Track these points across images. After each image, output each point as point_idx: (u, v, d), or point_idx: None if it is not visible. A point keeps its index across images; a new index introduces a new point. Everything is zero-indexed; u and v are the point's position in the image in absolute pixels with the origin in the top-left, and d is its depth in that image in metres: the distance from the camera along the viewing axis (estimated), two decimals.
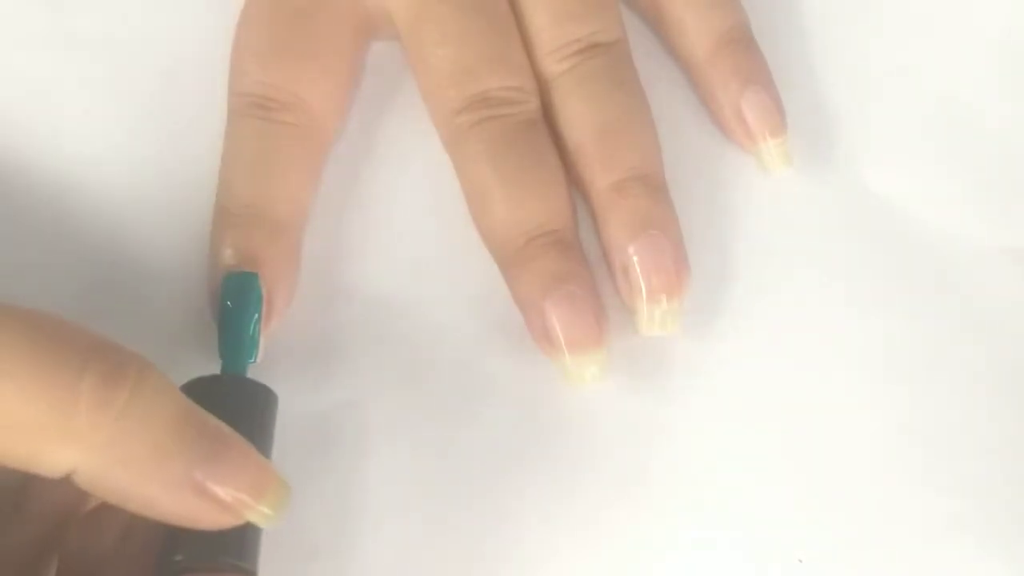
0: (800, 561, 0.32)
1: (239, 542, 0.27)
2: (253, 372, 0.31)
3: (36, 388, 0.24)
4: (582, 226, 0.34)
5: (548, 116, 0.34)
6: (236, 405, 0.27)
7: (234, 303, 0.31)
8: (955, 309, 0.35)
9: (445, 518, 0.32)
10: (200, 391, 0.27)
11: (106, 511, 0.28)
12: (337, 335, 0.33)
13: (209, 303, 0.32)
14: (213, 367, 0.32)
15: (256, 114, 0.33)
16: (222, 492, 0.26)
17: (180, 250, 0.33)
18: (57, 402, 0.24)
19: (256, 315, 0.31)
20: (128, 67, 0.35)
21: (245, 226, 0.32)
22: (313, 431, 0.32)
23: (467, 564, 0.32)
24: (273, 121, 0.33)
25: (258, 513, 0.26)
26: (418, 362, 0.33)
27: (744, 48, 0.35)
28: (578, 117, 0.33)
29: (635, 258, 0.32)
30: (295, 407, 0.32)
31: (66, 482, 0.25)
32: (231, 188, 0.33)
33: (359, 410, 0.33)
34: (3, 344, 0.24)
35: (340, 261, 0.34)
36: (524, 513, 0.32)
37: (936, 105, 0.37)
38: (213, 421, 0.26)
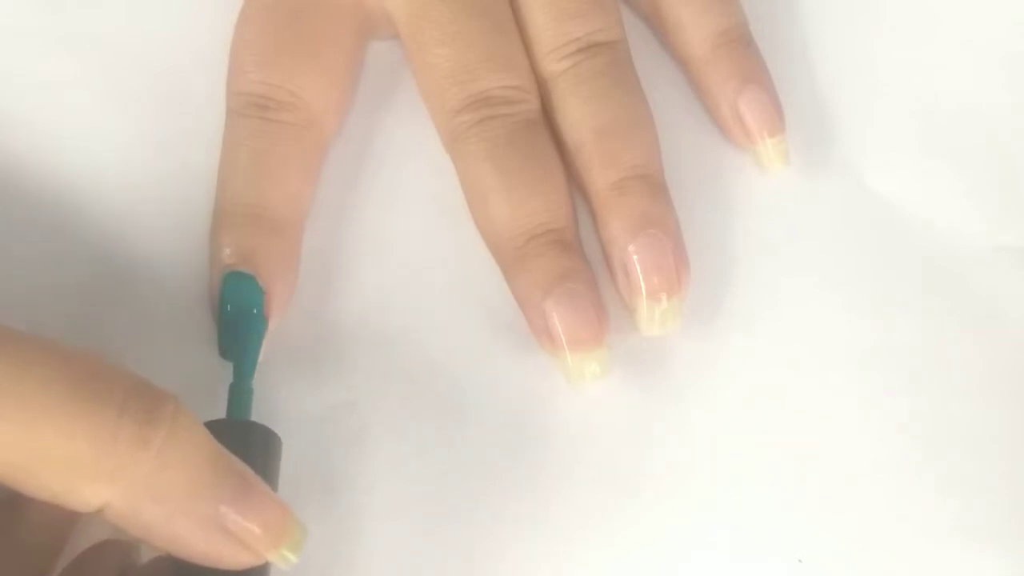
0: (800, 561, 0.32)
1: None
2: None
3: (76, 425, 0.24)
4: (582, 226, 0.34)
5: (548, 115, 0.34)
6: (243, 449, 0.28)
7: (233, 302, 0.31)
8: (955, 309, 0.35)
9: (445, 518, 0.32)
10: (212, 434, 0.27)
11: (100, 552, 0.28)
12: (336, 334, 0.33)
13: (209, 302, 0.32)
14: (214, 366, 0.32)
15: (255, 113, 0.33)
16: (247, 531, 0.26)
17: (180, 249, 0.33)
18: (96, 439, 0.24)
19: (255, 314, 0.31)
20: (128, 67, 0.35)
21: (244, 225, 0.32)
22: (313, 431, 0.32)
23: (467, 564, 0.32)
24: (272, 120, 0.33)
25: (278, 554, 0.27)
26: (418, 362, 0.33)
27: (742, 48, 0.35)
28: (578, 116, 0.33)
29: (635, 257, 0.32)
30: (295, 407, 0.32)
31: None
32: (230, 188, 0.33)
33: (359, 410, 0.33)
34: (44, 380, 0.24)
35: (339, 260, 0.34)
36: (524, 513, 0.32)
37: (936, 105, 0.37)
38: (238, 463, 0.27)
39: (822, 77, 0.37)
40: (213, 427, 0.27)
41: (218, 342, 0.32)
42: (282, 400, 0.32)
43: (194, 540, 0.26)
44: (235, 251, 0.32)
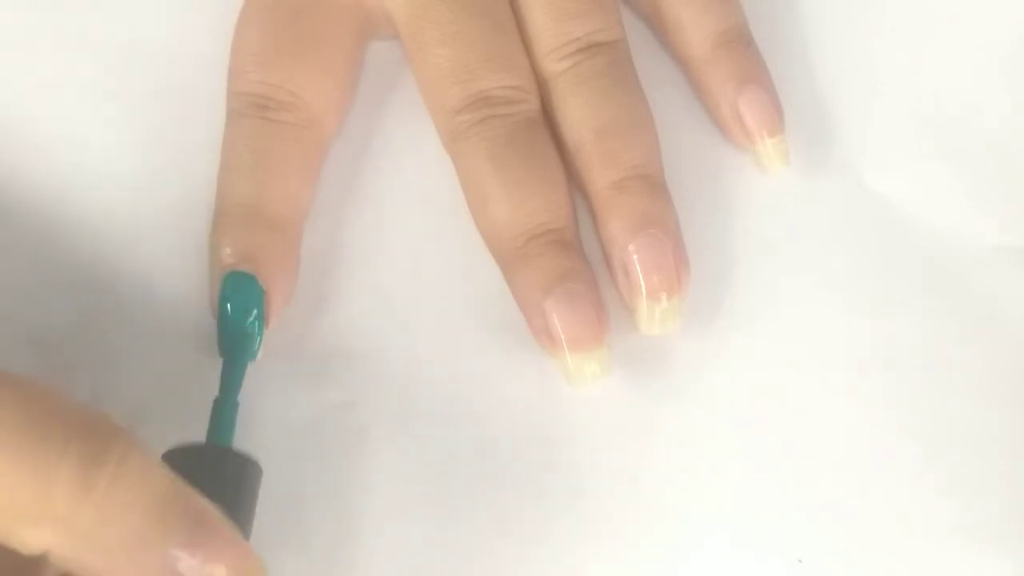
0: (800, 561, 0.32)
1: None
2: (252, 370, 0.32)
3: (13, 466, 0.23)
4: (582, 226, 0.34)
5: (548, 115, 0.34)
6: (219, 477, 0.27)
7: (233, 302, 0.31)
8: (955, 309, 0.35)
9: (445, 518, 0.32)
10: (183, 461, 0.26)
11: None
12: (336, 334, 0.33)
13: (209, 302, 0.32)
14: (213, 367, 0.32)
15: (255, 113, 0.33)
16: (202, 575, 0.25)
17: (180, 249, 0.33)
18: (36, 482, 0.23)
19: (255, 313, 0.31)
20: (128, 67, 0.35)
21: (244, 225, 0.32)
22: (312, 431, 0.32)
23: (467, 564, 0.32)
24: (272, 120, 0.33)
25: None
26: (417, 362, 0.33)
27: (742, 48, 0.35)
28: (578, 116, 0.33)
29: (635, 256, 0.32)
30: (294, 407, 0.32)
31: None
32: (230, 188, 0.33)
33: (358, 410, 0.33)
34: None
35: (339, 260, 0.34)
36: (523, 512, 0.32)
37: (936, 105, 0.37)
38: (197, 501, 0.25)
39: (822, 77, 0.37)
40: (185, 453, 0.27)
41: (218, 342, 0.32)
42: (282, 399, 0.32)
43: None
44: (235, 251, 0.32)
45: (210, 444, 0.30)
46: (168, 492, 0.25)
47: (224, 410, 0.30)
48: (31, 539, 0.24)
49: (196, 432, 0.30)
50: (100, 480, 0.24)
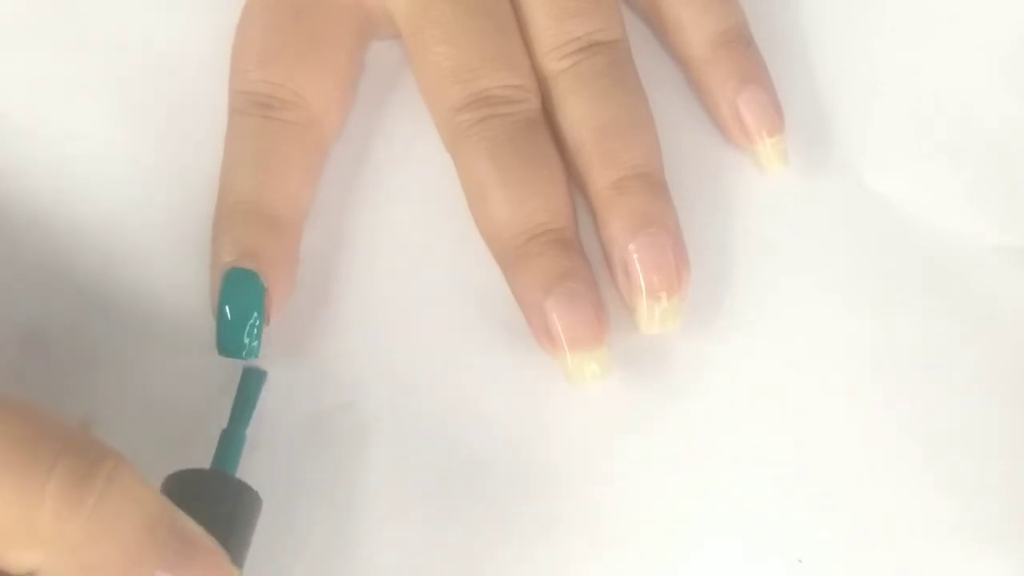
0: (800, 561, 0.32)
1: None
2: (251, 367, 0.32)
3: (3, 486, 0.23)
4: (582, 226, 0.34)
5: (548, 114, 0.34)
6: (216, 504, 0.27)
7: (232, 299, 0.31)
8: (955, 309, 0.35)
9: (445, 518, 0.32)
10: (182, 486, 0.26)
11: None
12: (336, 333, 0.33)
13: (209, 299, 0.32)
14: (213, 366, 0.32)
15: (257, 112, 0.33)
16: None
17: (181, 247, 0.33)
18: (22, 502, 0.23)
19: (255, 311, 0.31)
20: (129, 67, 0.35)
21: (245, 223, 0.32)
22: (312, 431, 0.32)
23: (467, 564, 0.32)
24: (273, 119, 0.33)
25: None
26: (418, 361, 0.33)
27: (742, 48, 0.35)
28: (578, 115, 0.33)
29: (635, 256, 0.32)
30: (295, 406, 0.32)
31: None
32: (231, 186, 0.33)
33: (358, 410, 0.33)
34: None
35: (339, 260, 0.34)
36: (524, 512, 0.32)
37: (936, 105, 0.37)
38: (185, 522, 0.25)
39: (822, 77, 0.37)
40: (189, 477, 0.27)
41: (217, 341, 0.32)
42: (282, 399, 0.32)
43: None
44: (236, 248, 0.32)
45: (214, 470, 0.30)
46: (156, 511, 0.25)
47: (232, 441, 0.30)
48: (17, 560, 0.24)
49: (193, 428, 0.30)
50: (88, 498, 0.24)
